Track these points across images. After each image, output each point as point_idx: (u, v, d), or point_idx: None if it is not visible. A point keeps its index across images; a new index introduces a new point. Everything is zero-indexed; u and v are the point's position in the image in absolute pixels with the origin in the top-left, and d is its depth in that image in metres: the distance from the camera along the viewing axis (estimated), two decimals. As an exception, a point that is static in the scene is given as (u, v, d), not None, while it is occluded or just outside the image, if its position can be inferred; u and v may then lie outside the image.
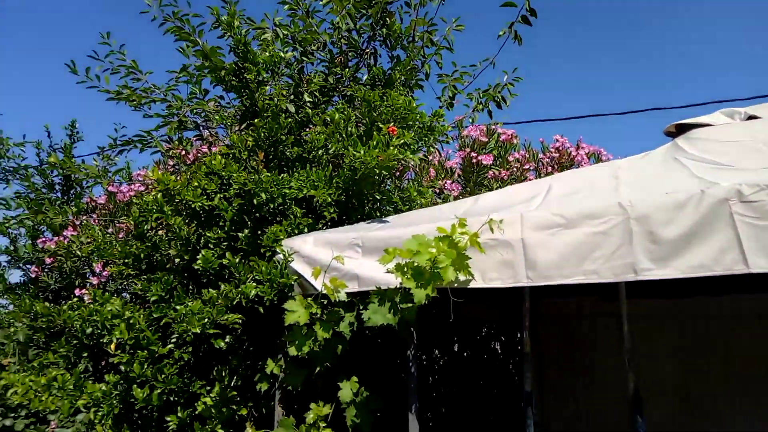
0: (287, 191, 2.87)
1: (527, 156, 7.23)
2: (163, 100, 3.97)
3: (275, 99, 3.30)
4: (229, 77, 3.66)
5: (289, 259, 2.63)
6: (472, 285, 2.21)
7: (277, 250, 2.76)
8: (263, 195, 2.79)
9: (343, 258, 2.46)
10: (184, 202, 2.96)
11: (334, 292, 2.45)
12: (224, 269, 2.88)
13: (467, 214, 2.51)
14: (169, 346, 2.95)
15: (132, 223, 3.45)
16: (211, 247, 2.93)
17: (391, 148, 2.79)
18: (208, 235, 2.94)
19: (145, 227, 3.42)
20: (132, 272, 3.39)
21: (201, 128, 4.22)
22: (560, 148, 7.16)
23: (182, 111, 4.05)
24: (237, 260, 2.72)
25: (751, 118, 3.66)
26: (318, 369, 2.55)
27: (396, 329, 2.42)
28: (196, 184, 2.99)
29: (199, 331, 2.54)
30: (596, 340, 4.75)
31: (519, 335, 4.98)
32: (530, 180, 7.13)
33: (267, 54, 3.56)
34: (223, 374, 2.83)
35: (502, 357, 5.02)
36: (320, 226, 3.08)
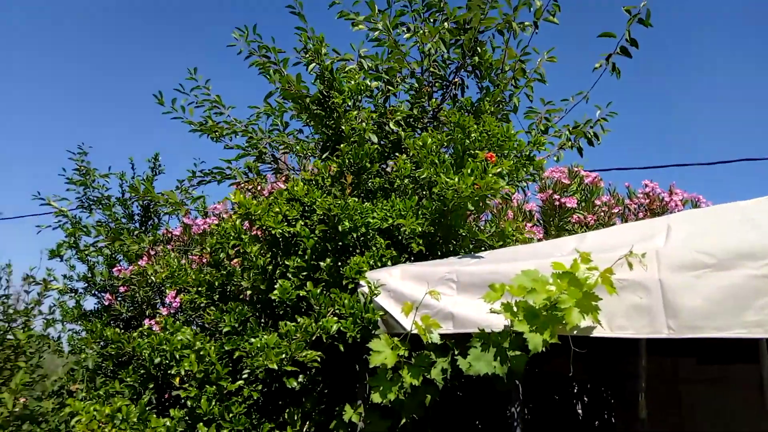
0: (371, 220, 2.64)
1: (613, 201, 6.77)
2: (245, 132, 3.93)
3: (363, 123, 3.14)
4: (313, 105, 3.56)
5: (376, 292, 2.37)
6: (597, 334, 1.85)
7: (361, 282, 2.51)
8: (347, 222, 2.57)
9: (439, 294, 2.17)
10: (264, 228, 2.79)
11: (426, 333, 2.16)
12: (302, 301, 2.66)
13: (576, 252, 2.18)
14: (239, 382, 2.72)
15: (207, 253, 3.33)
16: (290, 277, 2.72)
17: (489, 176, 2.52)
18: (287, 263, 2.74)
19: (221, 255, 3.29)
20: (204, 301, 3.24)
21: (279, 160, 4.14)
22: (650, 194, 6.68)
23: (262, 143, 3.99)
24: (318, 291, 2.49)
25: None
26: (404, 420, 2.23)
27: (494, 380, 2.08)
28: (277, 209, 2.82)
29: (276, 368, 2.29)
30: (694, 406, 4.14)
31: (606, 394, 4.45)
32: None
33: (353, 83, 3.44)
34: (296, 417, 2.56)
35: (583, 418, 4.47)
36: (403, 259, 2.83)
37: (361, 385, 2.44)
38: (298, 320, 2.47)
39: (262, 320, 2.96)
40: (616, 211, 6.43)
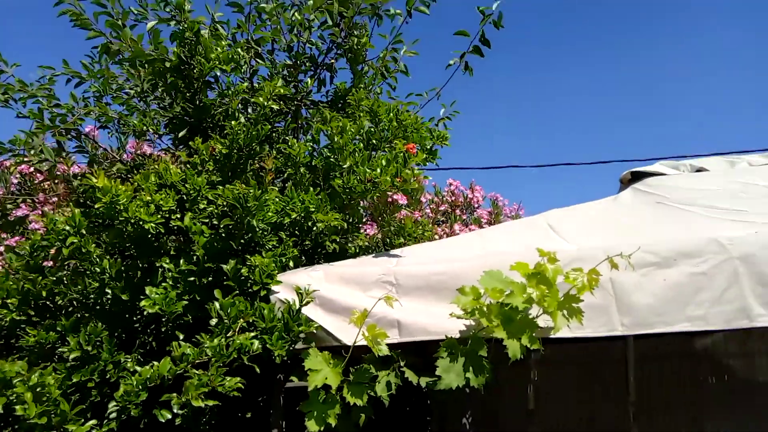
0: (272, 215, 2.23)
1: (438, 199, 7.18)
2: (50, 98, 3.07)
3: (238, 99, 2.67)
4: (169, 73, 2.94)
5: (307, 300, 1.99)
6: (559, 335, 1.82)
7: (273, 288, 2.10)
8: (260, 215, 2.13)
9: (392, 299, 1.90)
10: (131, 222, 2.15)
11: (374, 345, 1.88)
12: (186, 315, 2.13)
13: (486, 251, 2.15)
14: (90, 423, 2.06)
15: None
16: (170, 283, 2.15)
17: (413, 169, 2.34)
18: (167, 266, 2.17)
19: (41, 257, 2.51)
20: (16, 317, 2.43)
21: (88, 138, 3.34)
22: (455, 191, 7.28)
23: (76, 113, 3.17)
24: (230, 301, 1.99)
25: (699, 170, 3.88)
26: (339, 448, 1.92)
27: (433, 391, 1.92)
28: (147, 198, 2.21)
29: (201, 405, 1.76)
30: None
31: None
32: (440, 220, 7.04)
33: (220, 50, 2.92)
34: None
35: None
36: (303, 259, 2.48)
37: (276, 412, 2.04)
38: (200, 339, 1.95)
39: (122, 339, 2.31)
40: (442, 209, 6.80)
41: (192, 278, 2.18)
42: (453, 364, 1.76)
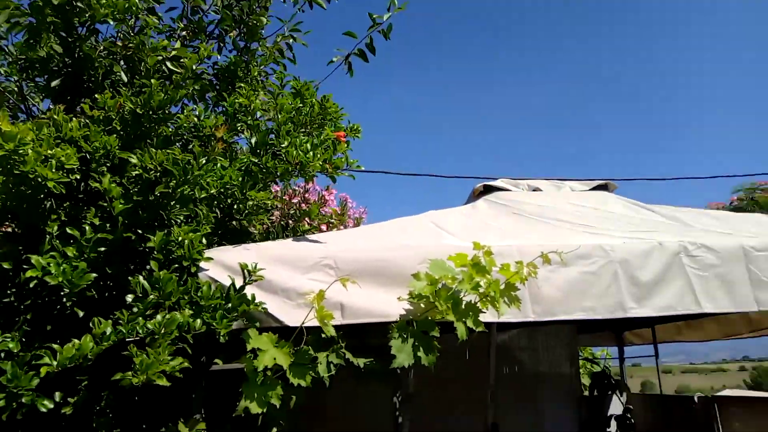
0: (213, 185, 2.07)
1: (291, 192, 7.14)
2: None
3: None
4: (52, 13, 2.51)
5: (257, 278, 1.89)
6: (487, 319, 2.04)
7: (202, 264, 1.95)
8: (196, 183, 1.94)
9: (348, 282, 1.91)
10: (32, 177, 1.79)
11: (324, 326, 1.87)
12: (90, 289, 1.85)
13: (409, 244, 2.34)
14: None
15: None
16: (75, 254, 1.84)
17: (347, 156, 2.38)
18: (72, 233, 1.85)
19: None
20: None
21: None
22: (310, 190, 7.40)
23: None
24: (167, 276, 1.78)
25: (535, 189, 4.55)
26: (274, 430, 1.87)
27: (373, 370, 2.01)
28: (49, 152, 1.86)
29: (164, 383, 1.53)
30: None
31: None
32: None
33: None
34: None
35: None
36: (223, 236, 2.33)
37: (198, 395, 1.89)
38: (117, 316, 1.72)
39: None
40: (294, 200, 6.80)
41: (102, 248, 1.89)
42: (404, 344, 1.85)
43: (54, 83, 2.55)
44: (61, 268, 1.77)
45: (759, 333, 5.26)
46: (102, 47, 2.77)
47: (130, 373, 1.57)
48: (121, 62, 2.78)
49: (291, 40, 3.68)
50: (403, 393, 2.98)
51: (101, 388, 1.82)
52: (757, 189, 9.23)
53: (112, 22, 2.64)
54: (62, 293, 1.78)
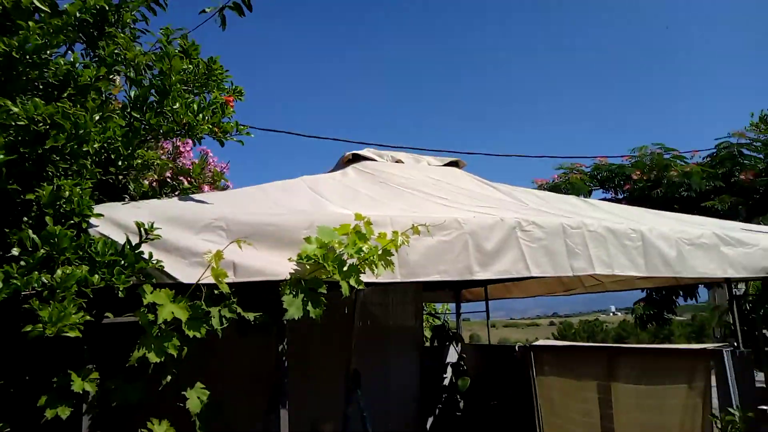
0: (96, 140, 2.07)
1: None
2: None
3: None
4: None
5: (154, 236, 1.96)
6: (367, 279, 2.35)
7: (92, 221, 1.98)
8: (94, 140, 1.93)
9: (244, 243, 2.07)
10: None
11: (220, 282, 2.03)
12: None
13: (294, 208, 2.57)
14: None
15: None
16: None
17: (232, 122, 2.49)
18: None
19: None
20: None
21: None
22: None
23: None
24: (63, 231, 1.78)
25: (398, 161, 4.95)
26: (168, 378, 2.00)
27: (262, 325, 2.23)
28: None
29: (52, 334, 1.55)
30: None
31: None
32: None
33: None
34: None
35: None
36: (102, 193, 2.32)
37: (90, 348, 1.95)
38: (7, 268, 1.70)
39: None
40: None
41: (-17, 200, 1.83)
42: (295, 299, 2.09)
43: None
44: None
45: (569, 292, 6.36)
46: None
47: (40, 325, 1.60)
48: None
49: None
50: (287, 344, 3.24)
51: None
52: (573, 170, 10.77)
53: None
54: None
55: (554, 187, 10.42)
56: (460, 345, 7.02)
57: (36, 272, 1.73)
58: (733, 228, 3.88)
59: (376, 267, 2.25)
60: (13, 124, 1.93)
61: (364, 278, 2.33)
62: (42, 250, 1.80)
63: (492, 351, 7.09)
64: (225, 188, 3.53)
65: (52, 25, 2.15)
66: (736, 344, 4.49)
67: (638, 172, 9.83)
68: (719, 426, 4.02)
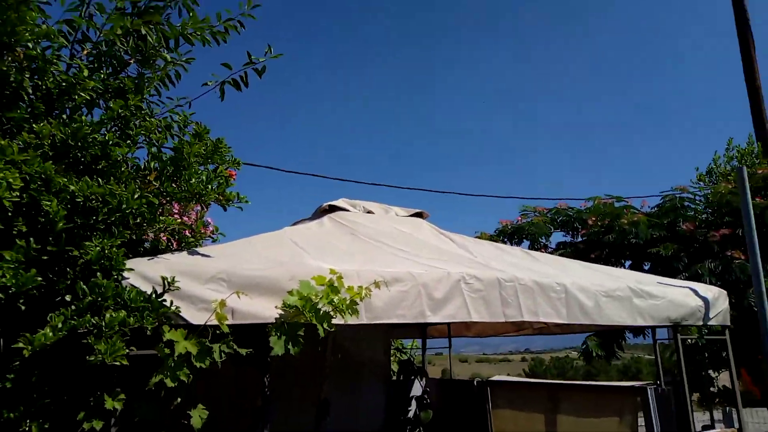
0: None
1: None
2: None
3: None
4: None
5: (175, 286, 2.55)
6: (337, 322, 2.95)
7: (125, 274, 2.57)
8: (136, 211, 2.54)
9: (241, 294, 2.67)
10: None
11: (222, 324, 2.62)
12: (34, 290, 2.35)
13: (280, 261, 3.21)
14: None
15: None
16: (22, 261, 2.33)
17: (237, 193, 3.12)
18: (20, 243, 2.33)
19: None
20: None
21: None
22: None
23: None
24: (111, 283, 2.36)
25: (369, 212, 5.61)
26: (178, 400, 2.57)
27: (249, 358, 2.81)
28: (0, 175, 2.32)
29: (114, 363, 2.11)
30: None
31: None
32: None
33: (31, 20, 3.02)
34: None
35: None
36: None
37: (119, 376, 2.50)
38: (64, 312, 2.28)
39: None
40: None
41: (45, 257, 2.40)
42: (279, 339, 2.68)
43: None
44: (12, 272, 2.26)
45: (519, 332, 7.01)
46: (9, 59, 3.09)
47: (99, 355, 2.17)
48: (26, 74, 3.13)
49: (180, 68, 4.20)
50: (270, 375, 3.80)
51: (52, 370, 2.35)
52: (535, 212, 11.59)
53: (30, 45, 3.02)
54: (10, 292, 2.28)
55: (518, 228, 11.22)
56: (424, 379, 7.56)
57: (88, 315, 2.30)
58: (649, 282, 4.61)
59: (344, 314, 2.86)
60: (69, 198, 2.52)
61: (335, 322, 2.95)
62: (89, 297, 2.37)
63: (454, 385, 7.65)
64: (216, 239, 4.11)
65: (101, 119, 2.77)
66: (658, 382, 5.18)
67: (593, 218, 10.68)
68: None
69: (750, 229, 4.81)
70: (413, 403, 7.32)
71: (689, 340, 8.33)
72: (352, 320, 3.01)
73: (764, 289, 4.71)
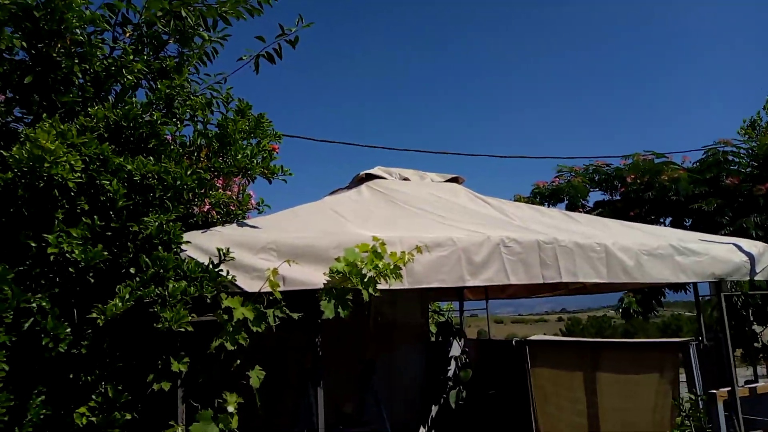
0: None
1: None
2: None
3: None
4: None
5: (229, 257, 2.71)
6: (381, 287, 3.07)
7: (183, 246, 2.72)
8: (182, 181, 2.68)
9: (291, 263, 2.81)
10: (54, 176, 2.40)
11: (276, 291, 2.77)
12: (102, 264, 2.53)
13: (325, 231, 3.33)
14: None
15: None
16: (81, 237, 2.50)
17: (278, 165, 3.23)
18: (86, 221, 2.50)
19: None
20: None
21: None
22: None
23: None
24: (171, 256, 2.53)
25: (405, 179, 5.67)
26: (238, 361, 2.75)
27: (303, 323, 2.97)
28: (64, 159, 2.47)
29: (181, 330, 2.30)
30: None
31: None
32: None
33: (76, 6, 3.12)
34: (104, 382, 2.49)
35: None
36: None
37: (183, 341, 2.69)
38: (129, 283, 2.45)
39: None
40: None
41: (109, 233, 2.58)
42: (328, 304, 2.82)
43: (26, 80, 3.01)
44: (81, 247, 2.44)
45: (554, 293, 7.05)
46: (59, 46, 3.23)
47: (165, 322, 2.35)
48: (75, 60, 3.26)
49: (217, 44, 4.28)
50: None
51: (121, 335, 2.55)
52: (572, 172, 11.41)
53: (78, 31, 3.14)
54: (80, 266, 2.46)
55: (556, 190, 11.10)
56: (462, 340, 7.73)
57: (152, 285, 2.47)
58: (691, 239, 4.57)
59: (389, 279, 2.97)
60: (126, 176, 2.67)
61: (379, 287, 3.07)
62: (152, 270, 2.54)
63: (492, 345, 7.79)
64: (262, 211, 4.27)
65: (149, 99, 2.89)
66: (700, 338, 5.17)
67: (632, 176, 10.47)
68: (682, 408, 4.71)
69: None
70: (452, 363, 7.52)
71: (734, 299, 8.23)
72: (396, 285, 3.13)
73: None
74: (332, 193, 5.45)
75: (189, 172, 2.77)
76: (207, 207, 3.46)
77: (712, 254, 4.34)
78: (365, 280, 2.92)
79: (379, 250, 3.04)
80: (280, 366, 3.90)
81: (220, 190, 3.37)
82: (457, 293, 8.43)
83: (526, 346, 6.78)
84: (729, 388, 4.40)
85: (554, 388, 6.47)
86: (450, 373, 7.47)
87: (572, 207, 10.81)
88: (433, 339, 8.07)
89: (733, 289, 7.54)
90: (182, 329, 2.43)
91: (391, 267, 3.00)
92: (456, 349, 7.68)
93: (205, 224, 3.36)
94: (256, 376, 2.84)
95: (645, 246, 4.08)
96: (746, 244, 4.68)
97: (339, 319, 2.93)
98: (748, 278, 4.78)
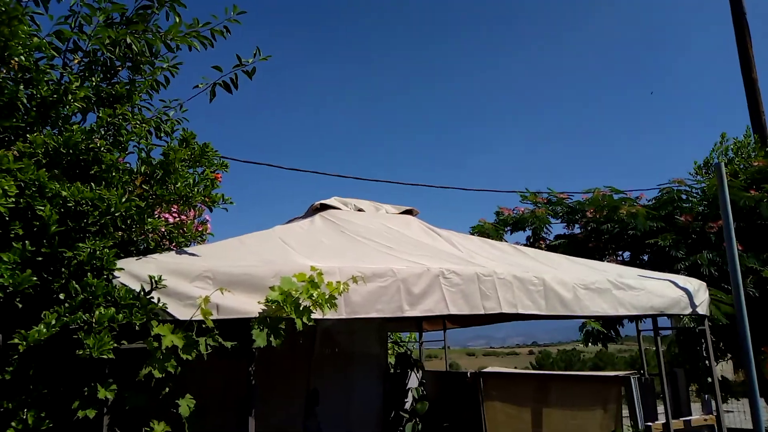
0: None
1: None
2: None
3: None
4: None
5: (161, 285, 2.72)
6: (316, 317, 3.12)
7: (115, 273, 2.74)
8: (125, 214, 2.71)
9: (225, 290, 2.84)
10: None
11: (207, 319, 2.79)
12: (32, 290, 2.53)
13: (264, 259, 3.37)
14: None
15: None
16: (18, 262, 2.50)
17: (222, 194, 3.28)
18: (16, 246, 2.51)
19: None
20: None
21: None
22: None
23: None
24: (101, 282, 2.54)
25: (359, 210, 5.76)
26: (166, 390, 2.74)
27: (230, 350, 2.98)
28: (-4, 183, 2.49)
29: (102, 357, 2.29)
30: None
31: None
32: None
33: (23, 34, 3.18)
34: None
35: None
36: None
37: (111, 368, 2.68)
38: (57, 309, 2.45)
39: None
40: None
41: (40, 258, 2.58)
42: (261, 332, 2.85)
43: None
44: (10, 272, 2.44)
45: (503, 321, 7.14)
46: (4, 71, 3.27)
47: (87, 350, 2.35)
48: (21, 86, 3.30)
49: (168, 72, 4.35)
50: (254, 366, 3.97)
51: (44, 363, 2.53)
52: (537, 203, 11.66)
53: (24, 57, 3.19)
54: (8, 291, 2.46)
55: (520, 219, 11.32)
56: (420, 372, 7.74)
57: (80, 312, 2.48)
58: (630, 275, 4.74)
59: (323, 308, 3.02)
60: (61, 202, 2.69)
61: (315, 316, 3.11)
62: (81, 296, 2.55)
63: (448, 377, 7.82)
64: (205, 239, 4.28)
65: (91, 127, 2.94)
66: (642, 372, 5.31)
67: (592, 210, 10.77)
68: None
69: (727, 223, 4.93)
70: (409, 394, 7.51)
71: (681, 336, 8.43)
72: (330, 314, 3.17)
73: (740, 280, 4.83)
74: (289, 222, 5.50)
75: (124, 199, 2.81)
76: (150, 235, 3.48)
77: (649, 289, 4.51)
78: (300, 309, 2.96)
79: (316, 280, 3.10)
80: (219, 397, 3.88)
81: (171, 218, 3.41)
82: (416, 324, 8.48)
83: (480, 378, 6.85)
84: (664, 421, 4.52)
85: (506, 419, 6.52)
86: (407, 405, 7.46)
87: (536, 237, 11.02)
88: (392, 371, 8.07)
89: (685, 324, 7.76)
90: (105, 356, 2.43)
91: (327, 296, 3.05)
92: (414, 381, 7.69)
93: (147, 252, 3.38)
94: (186, 405, 2.83)
95: (583, 280, 4.22)
96: (681, 280, 4.88)
97: (282, 349, 2.96)
98: (688, 312, 4.96)
